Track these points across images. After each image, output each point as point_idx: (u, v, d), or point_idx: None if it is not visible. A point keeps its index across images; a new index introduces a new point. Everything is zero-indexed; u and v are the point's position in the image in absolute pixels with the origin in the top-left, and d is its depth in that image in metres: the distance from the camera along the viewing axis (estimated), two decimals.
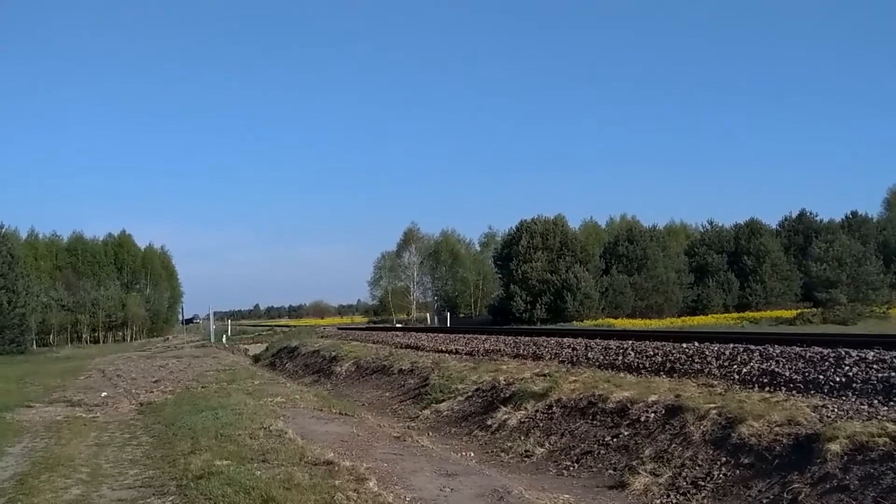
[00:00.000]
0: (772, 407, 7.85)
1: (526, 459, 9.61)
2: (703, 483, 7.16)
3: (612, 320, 59.80)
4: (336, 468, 7.65)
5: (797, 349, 10.76)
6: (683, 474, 7.47)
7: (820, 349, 10.45)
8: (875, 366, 8.80)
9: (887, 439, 6.18)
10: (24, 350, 49.13)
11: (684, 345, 13.35)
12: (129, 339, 78.50)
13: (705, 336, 15.03)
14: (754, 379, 9.80)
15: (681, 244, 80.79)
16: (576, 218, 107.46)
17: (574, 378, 11.70)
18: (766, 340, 12.81)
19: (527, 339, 19.85)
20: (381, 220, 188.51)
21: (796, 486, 6.28)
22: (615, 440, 9.00)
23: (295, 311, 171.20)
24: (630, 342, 15.26)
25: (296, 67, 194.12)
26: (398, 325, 54.33)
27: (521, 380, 12.66)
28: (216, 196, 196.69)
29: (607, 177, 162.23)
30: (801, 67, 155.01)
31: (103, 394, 18.07)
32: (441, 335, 26.74)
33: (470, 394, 13.50)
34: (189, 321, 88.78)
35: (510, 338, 20.93)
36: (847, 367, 9.01)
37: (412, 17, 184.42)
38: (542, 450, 9.73)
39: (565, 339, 18.07)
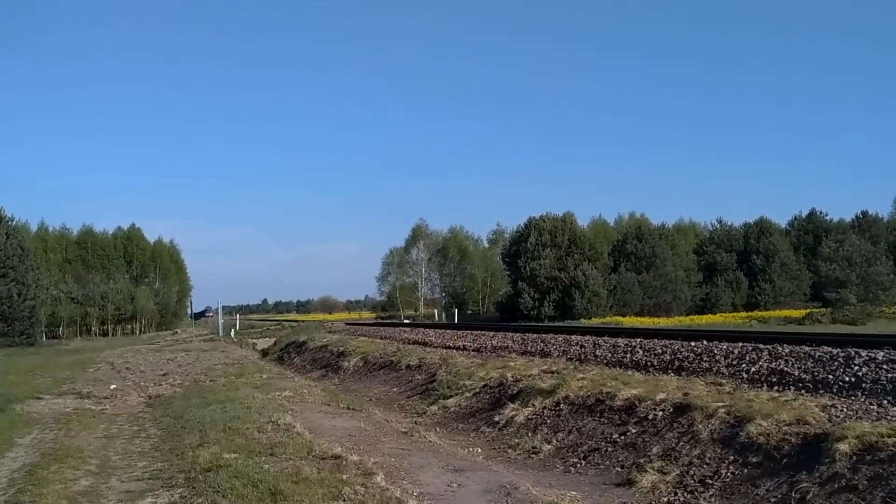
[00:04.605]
0: (780, 406, 7.82)
1: (533, 456, 9.61)
2: (710, 481, 7.14)
3: (620, 318, 59.63)
4: (344, 462, 7.67)
5: (806, 349, 10.73)
6: (691, 472, 7.45)
7: (829, 349, 10.42)
8: (885, 366, 8.77)
9: None
10: (33, 342, 49.39)
11: (693, 343, 13.32)
12: (138, 332, 78.77)
13: (714, 335, 14.99)
14: (763, 378, 9.76)
15: (690, 243, 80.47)
16: (584, 215, 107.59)
17: (582, 375, 11.69)
18: (775, 339, 12.77)
19: (535, 336, 19.84)
20: (390, 216, 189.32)
21: (804, 485, 6.26)
22: (623, 438, 8.98)
23: (303, 307, 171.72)
24: (638, 340, 15.24)
25: (305, 67, 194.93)
26: (406, 322, 54.39)
27: (529, 377, 12.65)
28: (226, 192, 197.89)
29: (616, 175, 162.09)
30: (811, 67, 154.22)
31: (112, 386, 18.17)
32: (449, 331, 26.77)
33: (477, 390, 13.50)
34: (201, 314, 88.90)
35: (518, 335, 20.92)
36: (857, 367, 8.98)
37: (423, 17, 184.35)
38: (550, 447, 9.72)
39: (573, 337, 18.07)
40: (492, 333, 22.80)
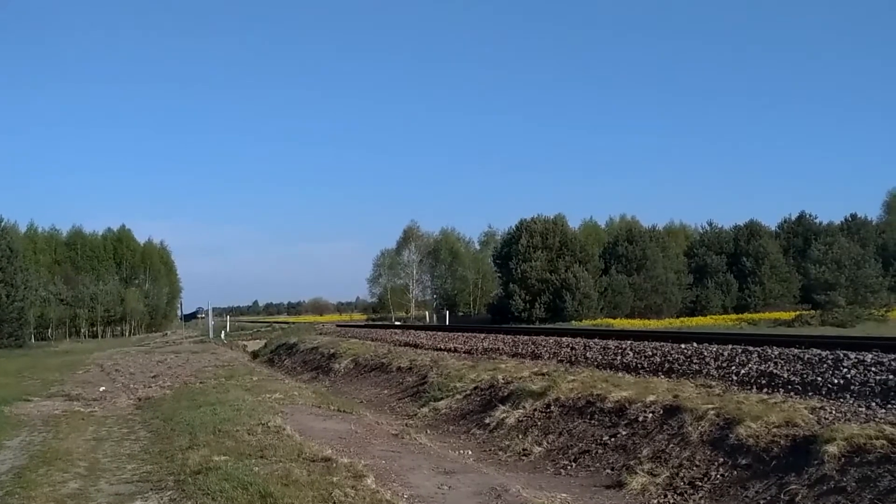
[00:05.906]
0: (770, 408, 7.85)
1: (524, 458, 9.61)
2: (700, 483, 7.16)
3: (610, 320, 59.80)
4: (334, 465, 7.65)
5: (796, 351, 10.76)
6: (681, 474, 7.47)
7: (818, 351, 10.45)
8: (873, 368, 8.81)
9: (885, 442, 6.18)
10: (22, 344, 49.11)
11: (683, 345, 13.36)
12: (127, 334, 78.39)
13: (704, 337, 15.04)
14: (752, 380, 9.80)
15: (680, 245, 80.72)
16: (575, 218, 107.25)
17: (572, 377, 11.70)
18: (764, 342, 12.81)
19: (525, 338, 19.86)
20: (381, 217, 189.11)
21: (793, 487, 6.29)
22: (613, 440, 9.00)
23: (294, 308, 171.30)
24: (629, 342, 15.27)
25: (297, 66, 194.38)
26: (397, 323, 54.38)
27: (520, 379, 12.66)
28: (216, 193, 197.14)
29: (607, 177, 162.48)
30: (801, 69, 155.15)
31: (101, 388, 18.06)
32: (440, 333, 26.75)
33: (468, 392, 13.50)
34: (193, 315, 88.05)
35: (509, 337, 20.94)
36: (845, 370, 9.01)
37: (414, 16, 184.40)
38: (540, 449, 9.73)
39: (564, 339, 18.09)
40: (483, 335, 22.80)
